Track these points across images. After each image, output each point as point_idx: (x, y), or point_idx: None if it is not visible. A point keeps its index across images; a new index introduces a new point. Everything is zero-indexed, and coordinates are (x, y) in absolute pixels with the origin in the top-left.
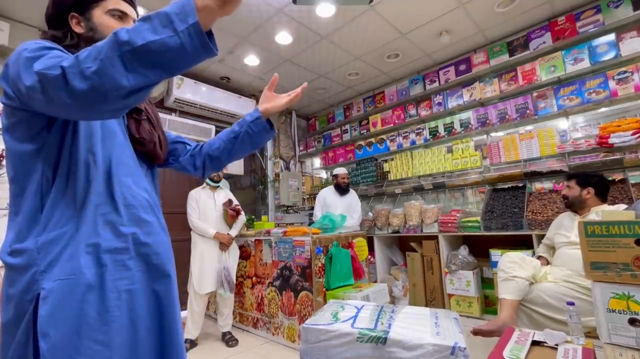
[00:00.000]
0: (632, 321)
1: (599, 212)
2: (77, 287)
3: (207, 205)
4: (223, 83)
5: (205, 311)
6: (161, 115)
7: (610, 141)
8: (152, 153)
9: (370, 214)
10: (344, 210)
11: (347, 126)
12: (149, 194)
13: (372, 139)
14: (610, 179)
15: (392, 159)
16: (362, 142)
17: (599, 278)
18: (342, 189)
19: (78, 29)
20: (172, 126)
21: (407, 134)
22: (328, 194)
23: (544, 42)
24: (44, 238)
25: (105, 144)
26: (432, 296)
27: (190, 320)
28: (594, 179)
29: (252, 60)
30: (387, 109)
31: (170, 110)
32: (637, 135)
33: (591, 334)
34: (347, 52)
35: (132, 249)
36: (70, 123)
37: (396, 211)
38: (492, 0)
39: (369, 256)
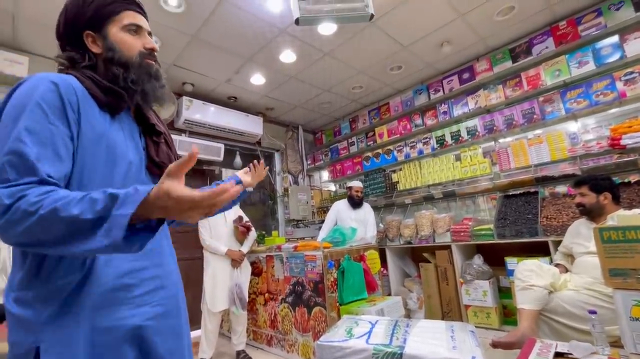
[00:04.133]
0: None
1: (615, 217)
2: (79, 335)
3: (217, 223)
4: (231, 102)
5: (219, 330)
6: (173, 136)
7: (623, 142)
8: None
9: (381, 225)
10: (356, 224)
11: (354, 138)
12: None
13: (380, 150)
14: (626, 181)
15: (400, 170)
16: (370, 154)
17: (619, 285)
18: (354, 202)
19: (95, 49)
20: (183, 146)
21: (414, 143)
22: (342, 206)
23: (547, 47)
24: (47, 288)
25: (112, 177)
26: (449, 308)
27: (204, 339)
28: (607, 183)
29: (258, 79)
30: (393, 120)
31: (180, 131)
32: None
33: (617, 343)
34: (350, 66)
35: (141, 284)
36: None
37: (407, 222)
38: (491, 10)
39: (382, 269)
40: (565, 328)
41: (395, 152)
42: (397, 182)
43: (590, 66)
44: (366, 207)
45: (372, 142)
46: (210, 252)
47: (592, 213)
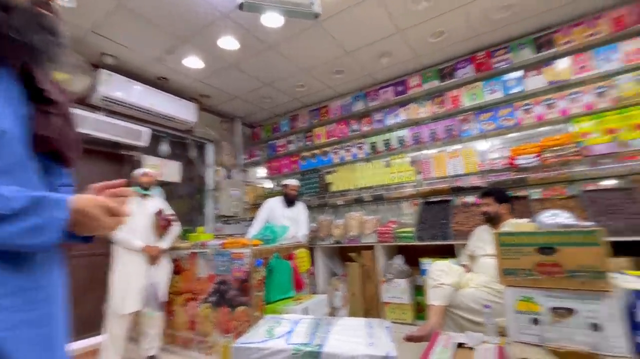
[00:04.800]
0: (534, 321)
1: (511, 224)
2: None
3: (134, 215)
4: (160, 83)
5: (129, 334)
6: (85, 113)
7: (517, 162)
8: (59, 155)
9: (314, 224)
10: (289, 222)
11: (293, 137)
12: None
13: (317, 151)
14: (517, 195)
15: (335, 171)
16: (307, 154)
17: (510, 282)
18: (289, 200)
19: None
20: (99, 126)
21: (350, 147)
22: (276, 204)
23: (468, 73)
24: None
25: None
26: (370, 305)
27: (110, 345)
28: (506, 196)
29: (193, 62)
30: (331, 122)
31: (96, 108)
32: (538, 157)
33: (505, 333)
34: (294, 64)
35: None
36: None
37: (338, 222)
38: (426, 31)
39: (310, 267)
40: (467, 322)
41: (331, 154)
42: (331, 183)
43: (499, 94)
44: (300, 206)
45: (310, 142)
46: (122, 247)
47: (494, 221)
